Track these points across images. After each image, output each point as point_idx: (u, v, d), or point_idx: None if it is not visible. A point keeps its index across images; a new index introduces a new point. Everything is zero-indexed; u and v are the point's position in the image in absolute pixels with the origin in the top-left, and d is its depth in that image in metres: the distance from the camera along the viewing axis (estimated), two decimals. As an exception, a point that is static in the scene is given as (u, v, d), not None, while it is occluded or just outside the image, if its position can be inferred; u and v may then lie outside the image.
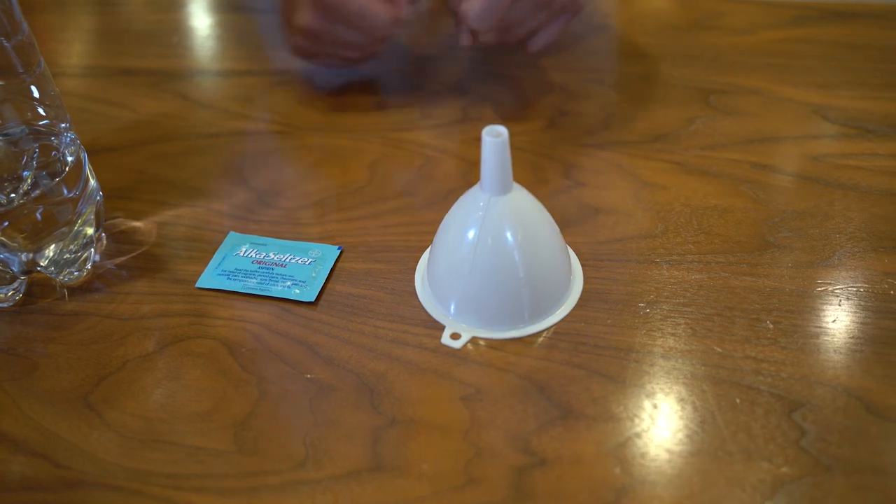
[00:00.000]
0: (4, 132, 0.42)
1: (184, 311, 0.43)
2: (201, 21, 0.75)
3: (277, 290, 0.43)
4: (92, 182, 0.45)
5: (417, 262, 0.45)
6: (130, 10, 0.79)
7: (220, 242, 0.47)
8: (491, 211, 0.39)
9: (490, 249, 0.40)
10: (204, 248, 0.47)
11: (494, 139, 0.37)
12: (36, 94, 0.41)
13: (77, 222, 0.44)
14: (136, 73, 0.66)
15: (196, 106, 0.61)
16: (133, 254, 0.47)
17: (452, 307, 0.42)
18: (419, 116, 0.56)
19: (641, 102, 0.56)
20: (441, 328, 0.41)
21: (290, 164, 0.54)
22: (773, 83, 0.58)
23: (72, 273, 0.45)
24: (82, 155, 0.44)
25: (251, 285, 0.44)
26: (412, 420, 0.37)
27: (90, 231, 0.45)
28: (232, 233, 0.47)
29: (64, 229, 0.43)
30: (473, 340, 0.40)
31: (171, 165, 0.54)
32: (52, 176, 0.43)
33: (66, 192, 0.43)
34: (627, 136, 0.53)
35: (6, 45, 0.40)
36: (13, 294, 0.44)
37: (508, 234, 0.39)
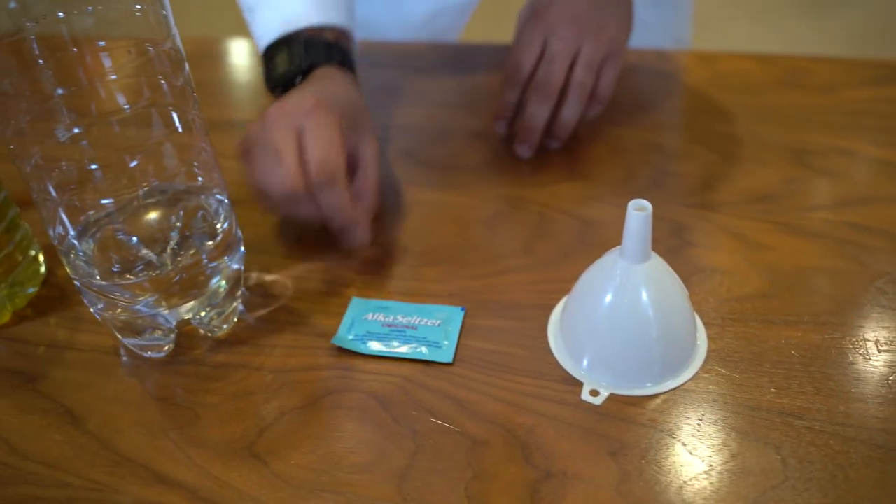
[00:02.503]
0: (161, 190, 0.47)
1: (329, 364, 0.47)
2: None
3: (414, 353, 0.47)
4: (240, 241, 0.49)
5: (546, 319, 0.49)
6: (232, 62, 0.84)
7: (346, 297, 0.51)
8: (631, 277, 0.43)
9: (627, 312, 0.44)
10: (340, 302, 0.51)
11: (639, 213, 0.42)
12: (189, 150, 0.45)
13: (228, 278, 0.48)
14: (238, 124, 0.70)
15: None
16: (272, 307, 0.51)
17: (585, 362, 0.45)
18: (528, 174, 0.60)
19: (738, 162, 0.61)
20: (577, 384, 0.45)
21: (407, 219, 0.58)
22: (860, 143, 0.62)
23: (220, 326, 0.49)
24: (233, 217, 0.49)
25: (387, 349, 0.47)
26: (565, 473, 0.40)
27: (237, 286, 0.50)
28: (355, 298, 0.51)
29: (215, 285, 0.47)
30: (611, 396, 0.44)
31: (291, 219, 0.58)
32: (205, 237, 0.47)
33: (215, 254, 0.47)
34: (729, 196, 0.57)
35: (167, 97, 0.44)
36: (167, 347, 0.48)
37: (645, 298, 0.43)
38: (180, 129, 0.43)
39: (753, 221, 0.55)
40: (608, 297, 0.44)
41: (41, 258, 0.55)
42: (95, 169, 0.43)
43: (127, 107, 0.42)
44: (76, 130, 0.42)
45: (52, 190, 0.44)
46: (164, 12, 0.41)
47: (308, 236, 0.57)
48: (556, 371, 0.46)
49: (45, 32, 0.42)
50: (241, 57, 0.85)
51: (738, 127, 0.65)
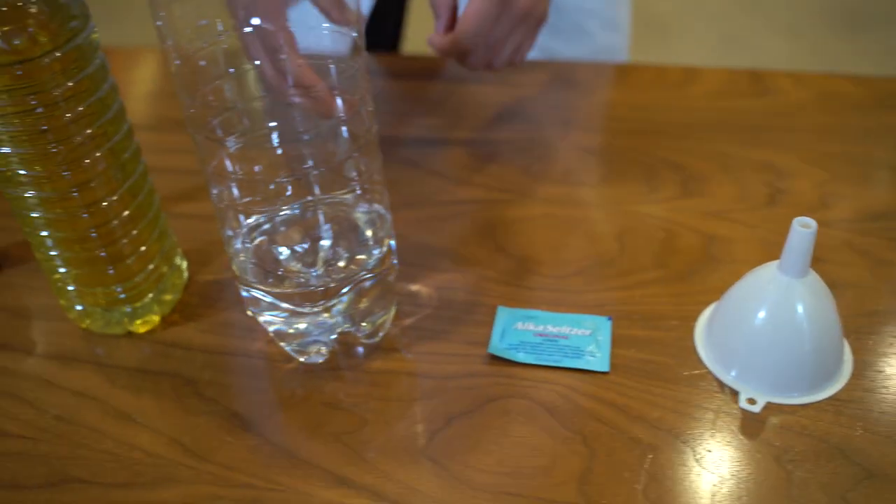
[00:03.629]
0: (330, 201, 0.49)
1: (487, 371, 0.49)
2: (424, 89, 0.82)
3: (570, 361, 0.49)
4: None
5: (689, 329, 0.51)
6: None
7: (491, 307, 0.54)
8: (789, 291, 0.46)
9: (783, 325, 0.46)
10: (484, 311, 0.53)
11: (804, 230, 0.44)
12: (368, 164, 0.47)
13: (383, 289, 0.50)
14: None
15: (426, 174, 0.67)
16: (419, 316, 0.53)
17: (734, 372, 0.48)
18: (646, 191, 0.63)
19: (850, 181, 0.63)
20: (731, 391, 0.47)
21: (538, 232, 0.60)
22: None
23: (375, 334, 0.51)
24: (391, 231, 0.51)
25: (542, 357, 0.50)
26: (738, 477, 0.43)
27: (390, 296, 0.52)
28: (500, 307, 0.53)
29: (372, 294, 0.50)
30: (766, 405, 0.46)
31: (426, 230, 0.60)
32: (364, 248, 0.49)
33: (373, 265, 0.49)
34: (846, 213, 0.60)
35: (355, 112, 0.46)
36: (324, 352, 0.50)
37: (801, 311, 0.46)
38: (362, 144, 0.46)
39: (875, 238, 0.58)
40: (764, 310, 0.46)
41: (184, 265, 0.57)
42: (282, 178, 0.45)
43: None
44: (275, 140, 0.44)
45: (235, 191, 0.46)
46: (355, 33, 0.44)
47: (438, 246, 0.59)
48: (708, 379, 0.48)
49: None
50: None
51: (845, 146, 0.68)
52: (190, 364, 0.52)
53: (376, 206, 0.50)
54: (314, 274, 0.49)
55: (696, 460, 0.44)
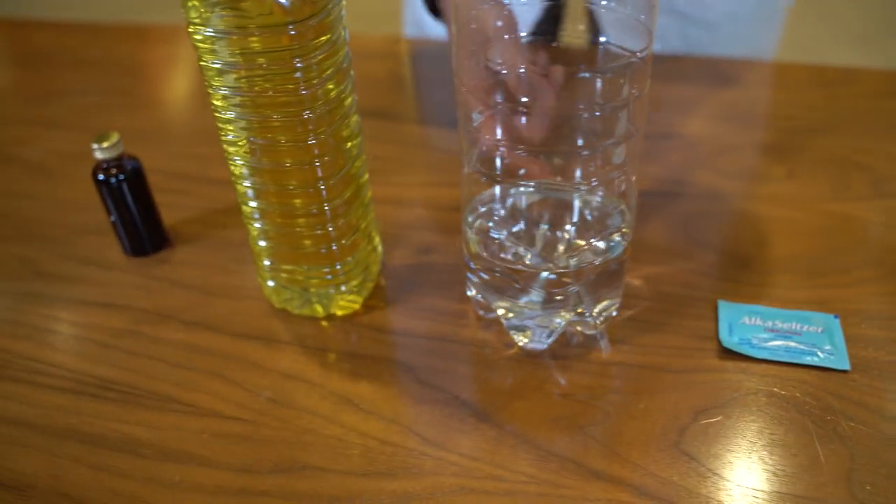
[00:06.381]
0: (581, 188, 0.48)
1: (721, 367, 0.48)
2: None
3: (809, 358, 0.48)
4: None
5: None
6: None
7: (707, 301, 0.53)
8: None
9: None
10: (703, 305, 0.52)
11: None
12: (630, 156, 0.46)
13: (612, 280, 0.49)
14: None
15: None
16: (638, 308, 0.52)
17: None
18: (838, 188, 0.62)
19: None
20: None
21: (735, 228, 0.60)
22: None
23: (598, 325, 0.50)
24: (630, 225, 0.50)
25: (778, 353, 0.49)
26: None
27: (619, 286, 0.50)
28: (721, 301, 0.53)
29: (606, 285, 0.49)
30: None
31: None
32: (603, 240, 0.49)
33: (607, 257, 0.49)
34: None
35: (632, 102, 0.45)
36: (548, 341, 0.49)
37: None
38: (632, 134, 0.45)
39: None
40: None
41: (381, 249, 0.56)
42: (556, 159, 0.44)
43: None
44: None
45: (497, 162, 0.46)
46: (649, 23, 0.42)
47: (648, 241, 0.58)
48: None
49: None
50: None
51: None
52: (404, 350, 0.51)
53: (629, 195, 0.49)
54: (555, 257, 0.48)
55: (962, 463, 0.43)
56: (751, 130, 0.72)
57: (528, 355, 0.50)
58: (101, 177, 0.55)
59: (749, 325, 0.51)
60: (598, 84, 0.42)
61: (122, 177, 0.55)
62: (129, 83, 0.91)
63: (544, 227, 0.49)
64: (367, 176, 0.52)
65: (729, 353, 0.49)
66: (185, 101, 0.89)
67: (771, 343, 0.49)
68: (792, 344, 0.49)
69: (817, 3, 2.48)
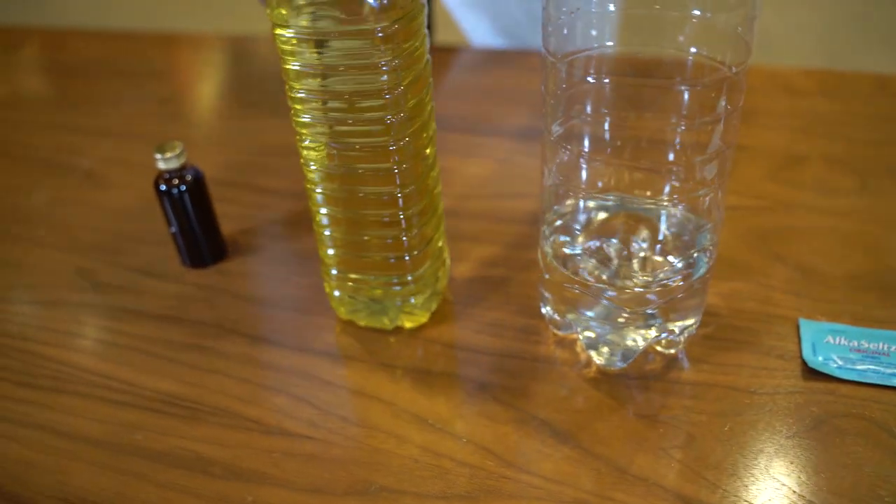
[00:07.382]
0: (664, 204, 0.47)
1: (806, 388, 0.47)
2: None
3: (900, 379, 0.47)
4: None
5: None
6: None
7: (787, 318, 0.51)
8: None
9: None
10: (782, 323, 0.51)
11: None
12: (720, 173, 0.45)
13: (694, 300, 0.48)
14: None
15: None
16: (714, 326, 0.51)
17: None
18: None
19: None
20: None
21: (810, 242, 0.58)
22: None
23: (679, 342, 0.49)
24: (713, 248, 0.48)
25: (867, 375, 0.47)
26: None
27: (702, 304, 0.49)
28: (802, 320, 0.51)
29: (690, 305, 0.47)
30: None
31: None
32: (680, 260, 0.47)
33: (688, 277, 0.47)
34: None
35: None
36: (627, 361, 0.48)
37: None
38: (723, 149, 0.43)
39: None
40: None
41: (448, 261, 0.55)
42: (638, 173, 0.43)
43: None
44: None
45: (583, 175, 0.45)
46: (748, 36, 0.41)
47: (721, 255, 0.56)
48: None
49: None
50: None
51: None
52: (475, 366, 0.50)
53: (714, 213, 0.48)
54: (634, 273, 0.47)
55: None
56: (818, 141, 0.70)
57: (605, 374, 0.48)
58: (163, 187, 0.54)
59: (833, 345, 0.49)
60: (690, 98, 0.41)
61: (183, 188, 0.55)
62: (170, 90, 0.90)
63: (629, 243, 0.47)
64: (440, 187, 0.51)
65: (813, 374, 0.48)
66: (228, 109, 0.89)
67: (859, 365, 0.48)
68: (881, 366, 0.48)
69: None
